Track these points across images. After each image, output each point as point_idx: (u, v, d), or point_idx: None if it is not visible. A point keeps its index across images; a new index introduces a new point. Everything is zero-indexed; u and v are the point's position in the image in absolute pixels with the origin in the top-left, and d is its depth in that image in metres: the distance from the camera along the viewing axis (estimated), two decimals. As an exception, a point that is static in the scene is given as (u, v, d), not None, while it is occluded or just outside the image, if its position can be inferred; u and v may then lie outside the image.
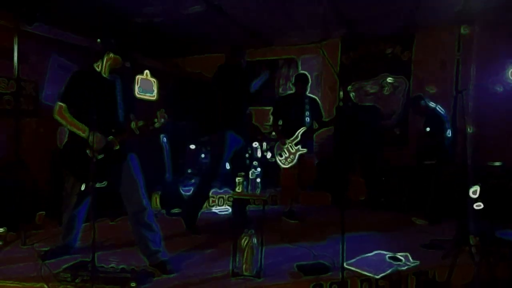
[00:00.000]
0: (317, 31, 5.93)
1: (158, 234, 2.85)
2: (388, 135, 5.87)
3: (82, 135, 2.65)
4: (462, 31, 2.89)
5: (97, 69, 2.75)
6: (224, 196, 5.18)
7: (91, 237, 2.16)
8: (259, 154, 5.60)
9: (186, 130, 5.72)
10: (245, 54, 4.08)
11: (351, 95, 6.37)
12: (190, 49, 7.00)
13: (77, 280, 2.43)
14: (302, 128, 4.38)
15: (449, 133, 4.35)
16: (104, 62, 2.72)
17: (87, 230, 3.00)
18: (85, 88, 2.62)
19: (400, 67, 6.02)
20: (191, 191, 4.28)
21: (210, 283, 2.61)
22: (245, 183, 2.95)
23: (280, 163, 4.47)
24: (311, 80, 4.71)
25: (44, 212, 3.96)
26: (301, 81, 4.51)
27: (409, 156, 5.41)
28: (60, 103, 2.68)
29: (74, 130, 2.68)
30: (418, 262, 2.87)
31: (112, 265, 2.75)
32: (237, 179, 2.96)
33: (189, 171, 5.48)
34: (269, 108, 4.88)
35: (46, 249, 3.08)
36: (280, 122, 4.55)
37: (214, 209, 5.05)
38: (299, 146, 4.37)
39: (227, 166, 4.14)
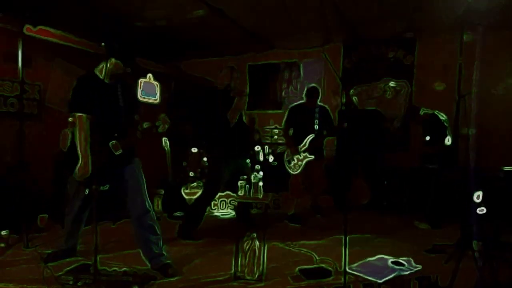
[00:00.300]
0: (318, 34, 5.94)
1: (160, 237, 2.86)
2: (390, 139, 5.87)
3: (78, 153, 2.63)
4: (465, 38, 2.87)
5: (98, 74, 2.76)
6: (226, 199, 5.18)
7: (93, 240, 2.16)
8: (261, 157, 5.61)
9: (188, 133, 5.73)
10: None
11: (353, 99, 6.38)
12: (192, 53, 7.03)
13: (79, 283, 2.44)
14: (310, 136, 4.47)
15: (448, 140, 4.35)
16: (105, 67, 2.73)
17: (89, 233, 3.00)
18: (88, 94, 2.62)
19: (403, 71, 6.03)
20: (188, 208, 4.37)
21: (212, 286, 2.61)
22: (247, 186, 2.96)
23: (290, 170, 4.57)
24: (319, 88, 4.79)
25: (46, 215, 3.97)
26: (311, 95, 4.56)
27: (411, 159, 5.41)
28: (80, 114, 2.65)
29: (80, 141, 2.65)
30: (420, 267, 2.86)
31: (114, 268, 2.76)
32: (239, 183, 2.97)
33: (191, 174, 5.49)
34: (272, 112, 4.93)
35: (48, 251, 3.08)
36: (291, 131, 4.68)
37: (216, 213, 5.05)
38: (307, 153, 4.47)
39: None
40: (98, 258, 2.24)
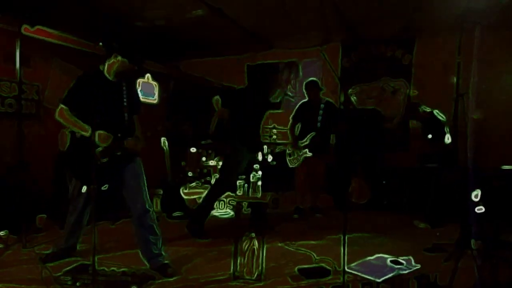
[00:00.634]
0: (318, 34, 5.94)
1: (159, 237, 2.85)
2: (390, 139, 5.87)
3: (85, 134, 2.63)
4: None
5: (104, 72, 2.75)
6: (225, 199, 5.16)
7: (92, 240, 2.16)
8: (260, 157, 5.61)
9: (188, 133, 5.72)
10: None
11: (352, 98, 6.37)
12: (191, 53, 7.02)
13: (77, 283, 2.43)
14: (311, 133, 4.65)
15: (448, 138, 4.35)
16: (111, 65, 2.72)
17: (87, 233, 2.99)
18: (91, 91, 2.58)
19: (401, 70, 6.03)
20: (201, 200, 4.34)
21: (211, 286, 2.60)
22: (246, 185, 2.96)
23: (289, 163, 4.85)
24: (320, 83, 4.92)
25: (45, 215, 3.96)
26: (311, 88, 4.72)
27: (410, 158, 5.40)
28: (62, 105, 2.69)
29: (76, 130, 2.67)
30: (419, 266, 2.86)
31: (112, 268, 2.75)
32: (238, 182, 2.96)
33: (190, 174, 5.48)
34: (272, 111, 5.04)
35: (47, 252, 3.07)
36: (298, 126, 4.93)
37: (215, 212, 5.04)
38: (306, 150, 4.67)
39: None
40: (96, 258, 2.23)
